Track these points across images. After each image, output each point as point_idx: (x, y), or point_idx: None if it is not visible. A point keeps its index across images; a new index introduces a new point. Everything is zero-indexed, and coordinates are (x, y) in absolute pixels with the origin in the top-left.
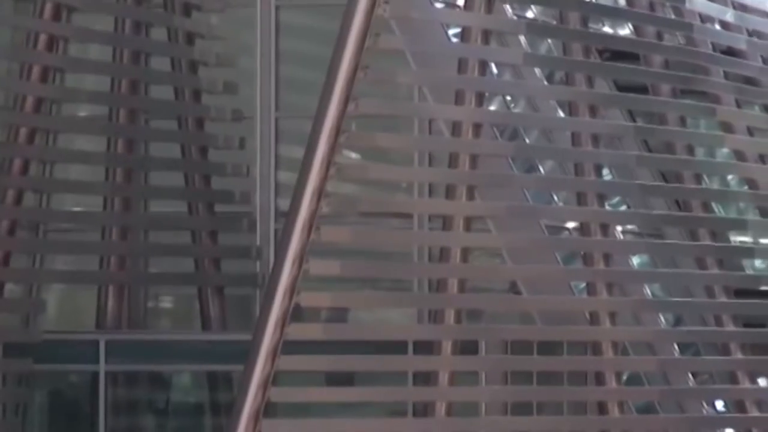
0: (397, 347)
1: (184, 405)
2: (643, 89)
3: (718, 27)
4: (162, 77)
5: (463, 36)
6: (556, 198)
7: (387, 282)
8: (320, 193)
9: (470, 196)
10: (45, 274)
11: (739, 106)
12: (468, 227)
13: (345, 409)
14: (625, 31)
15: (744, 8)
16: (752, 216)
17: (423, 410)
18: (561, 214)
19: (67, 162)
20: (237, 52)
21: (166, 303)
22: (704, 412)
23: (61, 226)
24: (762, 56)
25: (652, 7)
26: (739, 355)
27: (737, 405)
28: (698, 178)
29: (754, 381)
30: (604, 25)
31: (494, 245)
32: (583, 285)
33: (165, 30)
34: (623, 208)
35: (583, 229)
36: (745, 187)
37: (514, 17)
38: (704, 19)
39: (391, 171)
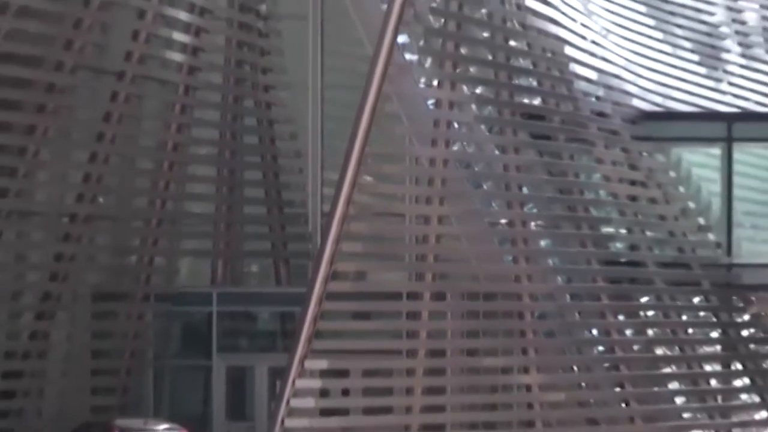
0: (395, 296)
1: (264, 331)
2: (547, 137)
3: (593, 99)
4: (252, 130)
5: (436, 104)
6: (494, 204)
7: (390, 255)
8: (349, 201)
9: (441, 202)
10: (179, 251)
11: (606, 147)
12: (440, 222)
13: (364, 334)
14: (537, 100)
15: (610, 87)
16: (615, 215)
17: (412, 334)
18: (497, 214)
19: (192, 182)
20: (298, 115)
21: (254, 268)
22: (585, 336)
23: (189, 221)
24: (621, 117)
25: (553, 87)
26: (606, 301)
27: (605, 332)
28: (581, 192)
29: (616, 317)
30: (523, 98)
31: (456, 233)
32: (510, 257)
33: (253, 101)
34: (535, 210)
35: (510, 223)
36: (610, 198)
37: (468, 93)
38: (585, 94)
39: (392, 188)
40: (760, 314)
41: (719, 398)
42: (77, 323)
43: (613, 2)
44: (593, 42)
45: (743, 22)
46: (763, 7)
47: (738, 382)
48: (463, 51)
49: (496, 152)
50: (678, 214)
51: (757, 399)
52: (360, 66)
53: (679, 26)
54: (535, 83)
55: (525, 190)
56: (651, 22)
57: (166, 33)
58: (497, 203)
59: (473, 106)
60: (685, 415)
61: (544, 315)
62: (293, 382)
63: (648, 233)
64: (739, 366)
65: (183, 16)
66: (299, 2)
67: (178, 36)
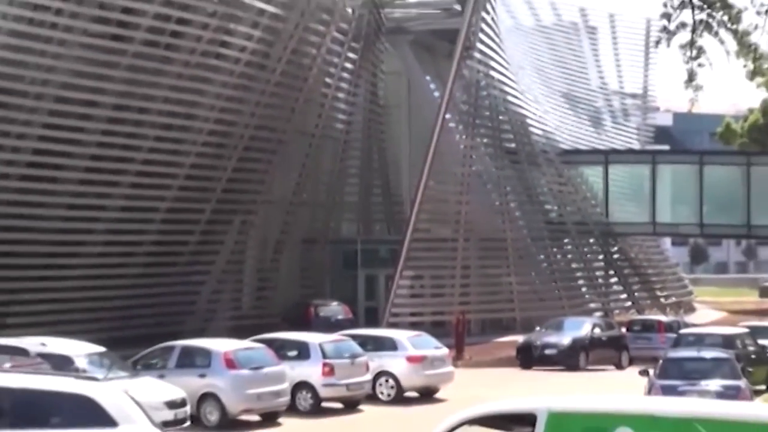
0: (445, 239)
1: (382, 257)
2: (518, 162)
3: (541, 143)
4: (376, 160)
5: (464, 147)
6: (492, 195)
7: (442, 219)
8: (423, 193)
9: (467, 194)
10: (341, 219)
11: (547, 167)
12: (466, 204)
13: (430, 258)
14: (513, 144)
15: (548, 138)
16: (551, 199)
17: (453, 258)
18: (494, 200)
19: (347, 186)
20: (398, 152)
21: (377, 227)
22: (538, 257)
23: (346, 205)
24: (554, 152)
25: (521, 138)
26: (548, 241)
27: (547, 256)
28: (535, 189)
29: (552, 249)
30: (506, 143)
31: (475, 209)
32: (501, 220)
33: (377, 146)
34: (513, 197)
35: (501, 204)
36: (549, 191)
37: (479, 141)
38: (536, 141)
39: (443, 187)
40: (622, 247)
41: (603, 288)
42: (294, 255)
43: (549, 97)
44: (540, 115)
45: (612, 105)
46: (621, 97)
47: (612, 281)
48: (477, 121)
49: (493, 169)
50: (582, 198)
51: (622, 288)
52: (427, 129)
53: (582, 109)
54: (511, 136)
55: (508, 188)
56: (567, 107)
57: (334, 114)
58: (494, 195)
59: (482, 148)
60: (586, 296)
61: (517, 248)
62: (397, 282)
63: (568, 208)
64: (612, 272)
65: (342, 105)
66: (398, 97)
67: (340, 115)
